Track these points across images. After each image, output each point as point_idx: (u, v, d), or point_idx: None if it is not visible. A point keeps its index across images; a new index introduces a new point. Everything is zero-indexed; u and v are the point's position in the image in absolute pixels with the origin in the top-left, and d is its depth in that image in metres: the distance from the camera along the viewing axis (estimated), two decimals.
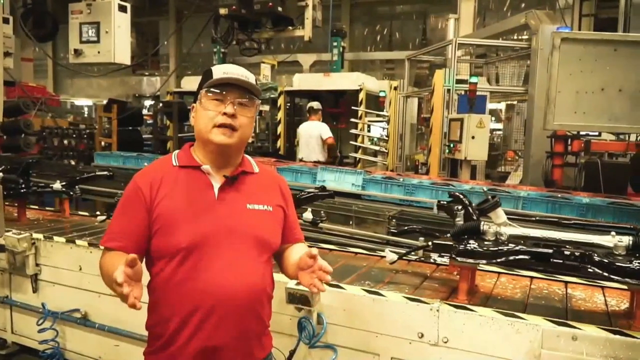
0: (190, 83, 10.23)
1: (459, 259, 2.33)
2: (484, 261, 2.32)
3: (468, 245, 2.32)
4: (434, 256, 2.40)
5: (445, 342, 2.24)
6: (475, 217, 2.46)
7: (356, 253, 3.19)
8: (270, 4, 7.57)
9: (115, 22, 5.93)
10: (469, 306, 2.26)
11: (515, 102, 10.03)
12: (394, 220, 2.96)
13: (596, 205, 3.85)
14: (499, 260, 2.27)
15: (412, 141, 9.98)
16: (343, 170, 4.90)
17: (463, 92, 6.96)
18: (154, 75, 20.00)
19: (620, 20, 7.51)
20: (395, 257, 2.70)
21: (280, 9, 7.72)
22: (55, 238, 3.30)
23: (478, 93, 6.34)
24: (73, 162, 8.34)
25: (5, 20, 7.47)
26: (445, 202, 2.84)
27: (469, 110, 6.16)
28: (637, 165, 4.63)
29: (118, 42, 5.97)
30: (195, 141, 1.80)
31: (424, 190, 4.35)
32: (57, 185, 3.82)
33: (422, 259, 3.00)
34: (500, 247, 2.28)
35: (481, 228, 2.37)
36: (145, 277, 1.69)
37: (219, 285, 1.64)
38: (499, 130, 12.34)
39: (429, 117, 7.66)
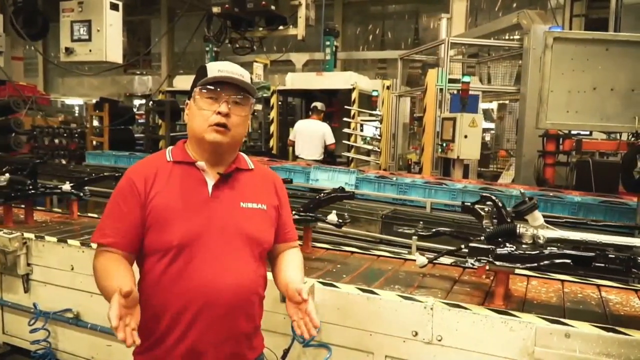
0: (183, 82, 10.19)
1: (497, 262, 2.25)
2: (524, 265, 2.25)
3: (506, 248, 2.25)
4: (471, 260, 2.29)
5: (439, 341, 2.24)
6: (508, 220, 2.38)
7: (378, 256, 3.13)
8: (264, 2, 7.55)
9: (106, 20, 5.90)
10: (462, 304, 2.26)
11: (507, 102, 10.09)
12: (421, 222, 2.87)
13: (588, 203, 3.89)
14: (540, 264, 2.20)
15: (405, 140, 10.03)
16: (336, 170, 4.91)
17: (455, 92, 6.99)
18: (145, 74, 19.91)
19: (611, 21, 7.56)
20: (425, 260, 2.62)
21: (273, 7, 7.70)
22: (47, 237, 3.27)
23: (470, 92, 6.37)
24: (64, 162, 8.29)
25: None
26: (470, 204, 2.76)
27: (462, 110, 6.19)
28: (629, 164, 4.66)
29: (110, 40, 5.95)
30: (189, 138, 1.79)
31: (417, 189, 4.38)
32: (67, 187, 3.71)
33: (458, 263, 2.88)
34: (540, 251, 2.21)
35: (517, 231, 2.29)
36: (136, 274, 1.69)
37: (209, 285, 1.63)
38: (492, 129, 12.42)
39: (421, 117, 7.69)
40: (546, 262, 2.19)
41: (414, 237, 3.34)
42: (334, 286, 2.47)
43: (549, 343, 2.04)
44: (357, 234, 3.62)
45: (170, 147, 1.82)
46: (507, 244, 2.27)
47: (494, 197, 2.52)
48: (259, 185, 1.82)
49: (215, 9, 7.87)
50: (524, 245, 2.26)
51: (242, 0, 7.65)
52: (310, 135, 7.37)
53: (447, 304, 2.27)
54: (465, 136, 6.08)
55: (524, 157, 6.92)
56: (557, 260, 2.18)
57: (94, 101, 10.18)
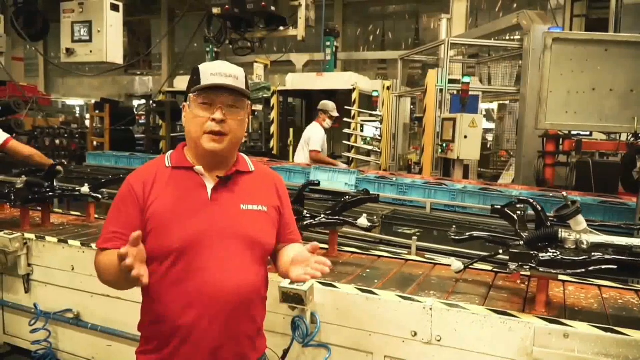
0: (183, 82, 10.12)
1: (541, 269, 2.17)
2: (569, 271, 2.18)
3: (549, 254, 2.18)
4: (513, 266, 2.22)
5: (439, 341, 2.25)
6: (548, 224, 2.32)
7: (406, 260, 3.08)
8: (263, 3, 7.54)
9: (107, 21, 5.91)
10: (461, 304, 2.27)
11: (507, 102, 10.09)
12: (454, 226, 2.79)
13: (587, 204, 3.88)
14: (587, 270, 2.13)
15: (405, 141, 10.02)
16: (336, 170, 4.90)
17: (455, 92, 6.99)
18: (146, 75, 19.93)
19: (611, 21, 7.57)
20: (461, 266, 2.53)
21: (273, 8, 7.70)
22: (47, 238, 3.28)
23: (470, 93, 6.37)
24: (65, 162, 8.30)
25: None
26: (500, 207, 2.69)
27: (462, 110, 6.19)
28: (628, 164, 4.67)
29: (110, 41, 5.96)
30: (187, 142, 1.79)
31: (417, 190, 4.37)
32: (85, 189, 3.68)
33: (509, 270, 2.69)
34: (588, 256, 2.13)
35: (560, 235, 2.21)
36: None
37: (211, 287, 1.63)
38: (492, 130, 12.42)
39: (421, 117, 7.69)
40: (593, 268, 2.11)
41: (414, 238, 3.34)
42: (334, 286, 2.48)
43: (548, 343, 2.05)
44: (356, 234, 3.62)
45: (170, 152, 1.83)
46: (550, 250, 2.19)
47: (531, 201, 2.45)
48: (259, 186, 1.82)
49: (215, 10, 7.87)
50: (568, 251, 2.18)
51: (242, 1, 7.65)
52: (302, 139, 6.86)
53: (446, 304, 2.28)
54: (465, 137, 6.08)
55: (524, 157, 6.92)
56: (605, 266, 2.10)
57: (93, 101, 10.20)
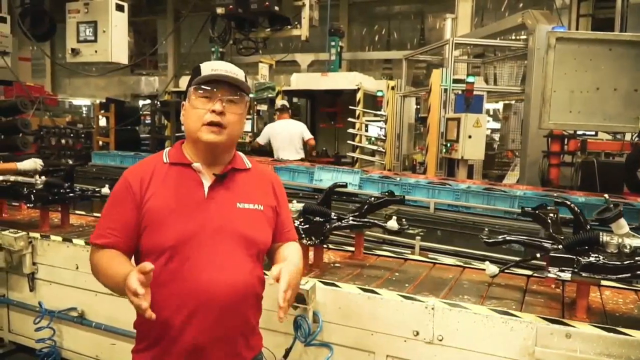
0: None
1: (583, 274, 2.10)
2: (614, 276, 2.11)
3: (592, 259, 2.10)
4: (554, 270, 2.15)
5: (440, 340, 2.25)
6: (588, 227, 2.27)
7: (434, 263, 3.03)
8: (267, 3, 7.55)
9: (112, 21, 5.92)
10: (462, 304, 2.27)
11: (512, 102, 10.07)
12: (486, 229, 2.71)
13: (592, 204, 3.87)
14: (633, 274, 2.07)
15: (410, 141, 10.01)
16: (340, 170, 4.91)
17: (460, 92, 6.98)
18: (152, 75, 20.00)
19: (617, 20, 7.54)
20: (496, 270, 2.45)
21: (277, 8, 7.70)
22: (52, 237, 3.31)
23: (475, 93, 6.37)
24: (70, 162, 8.34)
25: (3, 20, 7.46)
26: (530, 209, 2.64)
27: (466, 110, 6.18)
28: (632, 164, 4.65)
29: (115, 41, 5.97)
30: (186, 139, 1.79)
31: (421, 190, 4.37)
32: (106, 190, 3.63)
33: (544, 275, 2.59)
34: (632, 261, 2.06)
35: (601, 239, 2.14)
36: None
37: (204, 285, 1.63)
38: (498, 129, 12.40)
39: (426, 117, 7.69)
40: (639, 272, 2.05)
41: (417, 238, 3.34)
42: (335, 286, 2.48)
43: (550, 343, 2.05)
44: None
45: (168, 149, 1.83)
46: (592, 254, 2.13)
47: (569, 202, 2.39)
48: (256, 185, 1.82)
49: (219, 10, 7.88)
50: (610, 255, 2.12)
51: (245, 1, 7.66)
52: (290, 136, 7.06)
53: (447, 303, 2.28)
54: (470, 136, 6.08)
55: (528, 157, 6.91)
56: None
57: (98, 101, 10.26)
